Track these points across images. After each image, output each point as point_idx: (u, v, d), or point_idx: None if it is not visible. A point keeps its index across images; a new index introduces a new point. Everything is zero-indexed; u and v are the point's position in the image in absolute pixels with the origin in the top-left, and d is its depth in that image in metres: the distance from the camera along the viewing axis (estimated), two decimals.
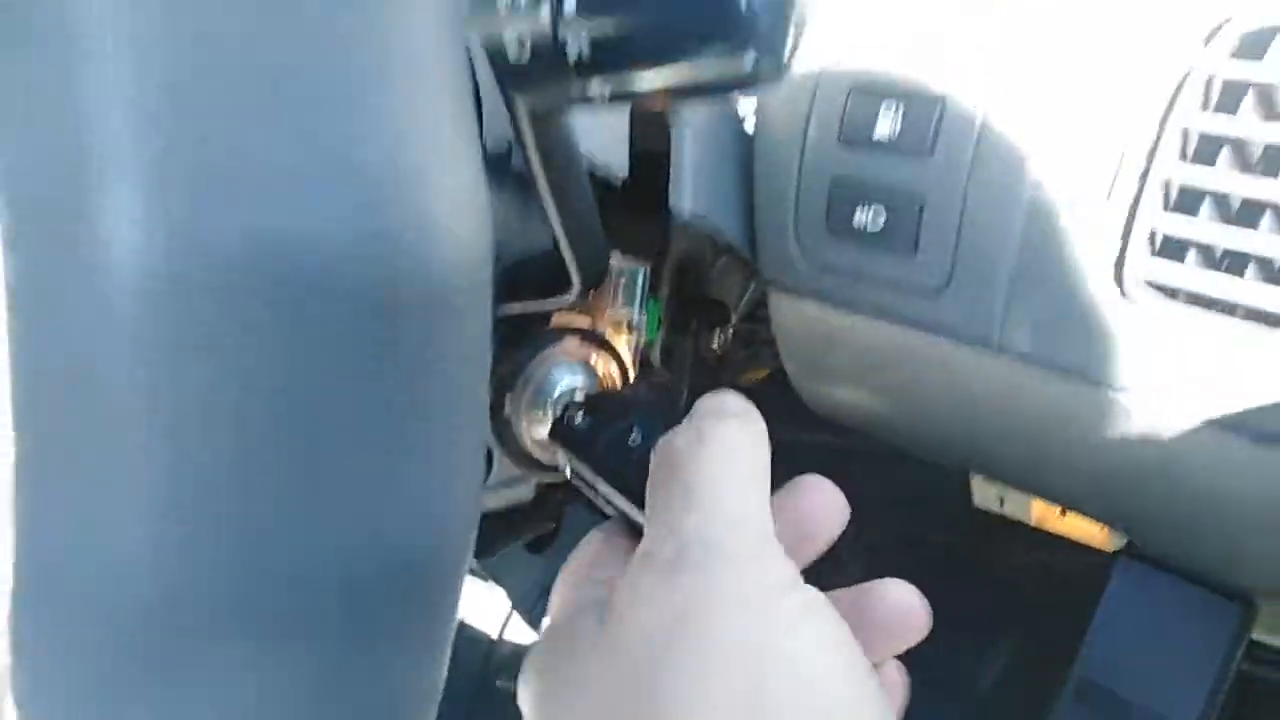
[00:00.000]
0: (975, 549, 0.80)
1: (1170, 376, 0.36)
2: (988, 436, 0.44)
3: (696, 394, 0.66)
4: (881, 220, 0.40)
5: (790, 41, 0.21)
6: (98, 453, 0.14)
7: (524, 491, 0.46)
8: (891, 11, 0.40)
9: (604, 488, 0.34)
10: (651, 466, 0.28)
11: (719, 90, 0.22)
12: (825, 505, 0.30)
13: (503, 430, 0.41)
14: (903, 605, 0.27)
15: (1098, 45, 0.36)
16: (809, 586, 0.25)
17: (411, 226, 0.14)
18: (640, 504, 0.31)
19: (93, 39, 0.12)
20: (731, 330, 0.61)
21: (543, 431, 0.41)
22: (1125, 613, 0.46)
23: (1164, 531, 0.43)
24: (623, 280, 0.44)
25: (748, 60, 0.21)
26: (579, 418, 0.38)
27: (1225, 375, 0.35)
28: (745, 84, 0.22)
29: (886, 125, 0.39)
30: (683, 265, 0.56)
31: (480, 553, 0.50)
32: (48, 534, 0.14)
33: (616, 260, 0.44)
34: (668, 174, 0.42)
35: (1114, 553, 0.52)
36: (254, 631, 0.14)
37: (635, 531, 0.31)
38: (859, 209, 0.41)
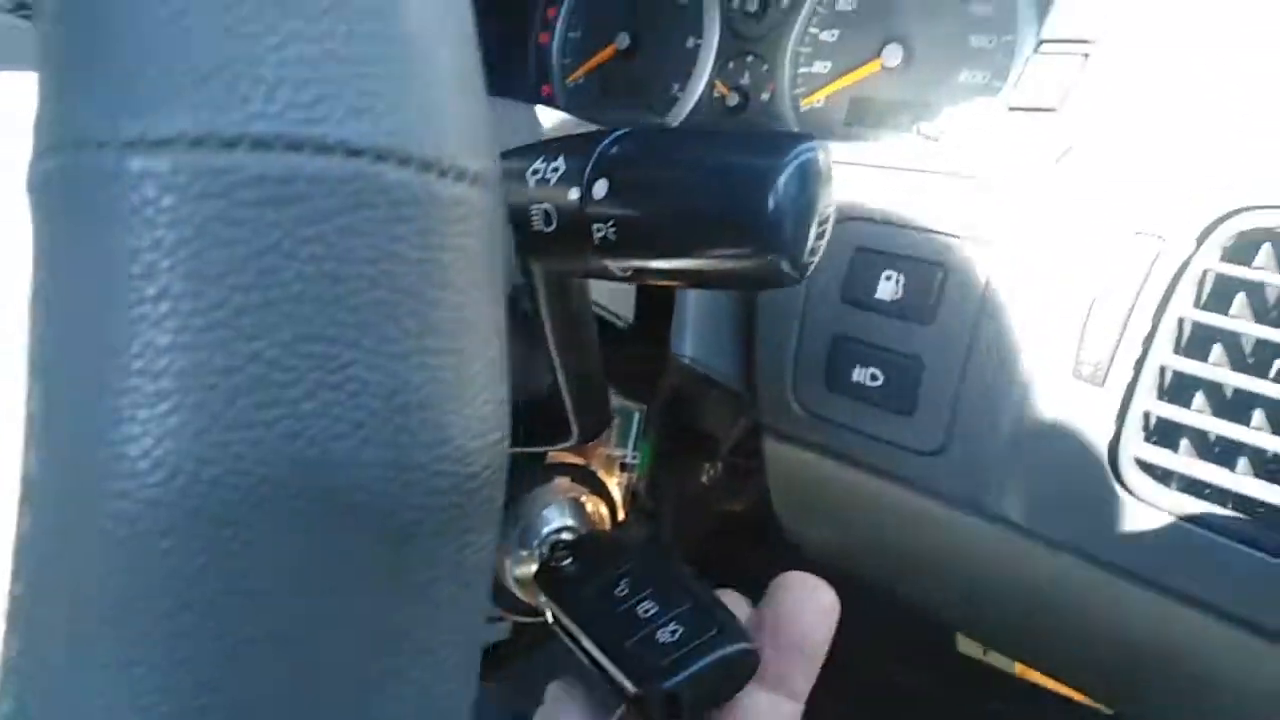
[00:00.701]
0: (957, 696, 0.79)
1: (1164, 560, 0.36)
2: (975, 601, 0.44)
3: (683, 524, 0.65)
4: (880, 380, 0.41)
5: (811, 244, 0.22)
6: (90, 653, 0.14)
7: (499, 631, 0.45)
8: (898, 178, 0.42)
9: (585, 641, 0.33)
10: None
11: (739, 285, 0.23)
12: (808, 605, 0.29)
13: None
14: None
15: (1099, 228, 0.37)
16: None
17: (433, 455, 0.14)
18: (618, 660, 0.30)
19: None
20: (720, 464, 0.60)
21: (526, 571, 0.40)
22: None
23: (1155, 713, 0.43)
24: (618, 421, 0.44)
25: (770, 262, 0.21)
26: (566, 562, 0.37)
27: (1218, 562, 0.35)
28: (766, 284, 0.22)
29: (889, 288, 0.40)
30: (674, 399, 0.56)
31: None
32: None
33: (614, 400, 0.44)
34: (667, 319, 0.43)
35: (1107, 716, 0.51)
36: None
37: (606, 682, 0.30)
38: (858, 367, 0.41)
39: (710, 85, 0.62)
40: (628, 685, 0.29)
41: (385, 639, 0.14)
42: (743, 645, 0.30)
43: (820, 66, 0.57)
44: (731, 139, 0.23)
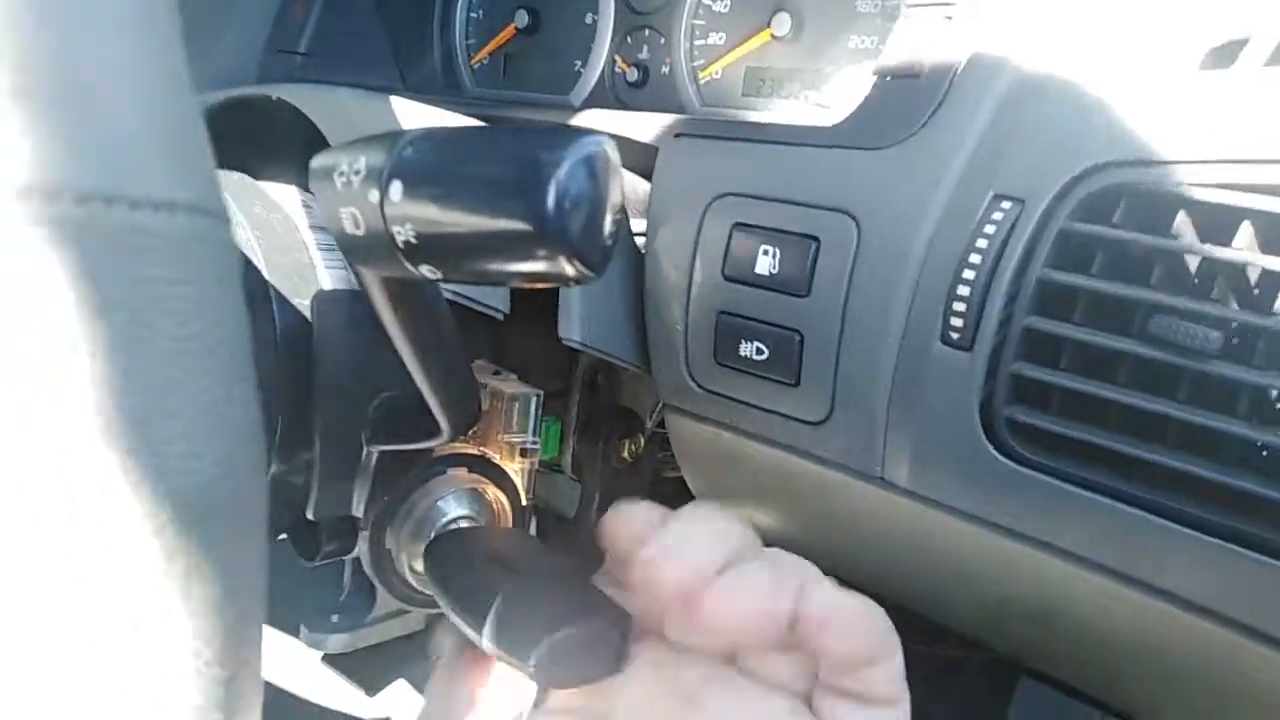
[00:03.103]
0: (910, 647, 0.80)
1: (1038, 518, 0.36)
2: (876, 565, 0.45)
3: (612, 497, 0.66)
4: (766, 354, 0.41)
5: (607, 237, 0.22)
6: None
7: (413, 621, 0.45)
8: (772, 152, 0.42)
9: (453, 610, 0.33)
10: None
11: (542, 282, 0.23)
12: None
13: (383, 563, 0.40)
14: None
15: (961, 191, 0.37)
16: None
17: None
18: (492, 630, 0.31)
19: None
20: (643, 437, 0.61)
21: (422, 564, 0.40)
22: None
23: (1056, 663, 0.44)
24: (516, 406, 0.44)
25: (563, 263, 0.21)
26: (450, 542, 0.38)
27: (1091, 518, 0.35)
28: (564, 282, 0.22)
29: (766, 263, 0.40)
30: (591, 378, 0.56)
31: (378, 682, 0.49)
32: None
33: (510, 386, 0.44)
34: (555, 303, 0.43)
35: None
36: None
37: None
38: (743, 342, 0.41)
39: (610, 61, 0.61)
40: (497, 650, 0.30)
41: None
42: (609, 617, 0.30)
43: (715, 38, 0.57)
44: (521, 136, 0.23)
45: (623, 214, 0.22)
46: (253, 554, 0.17)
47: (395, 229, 0.23)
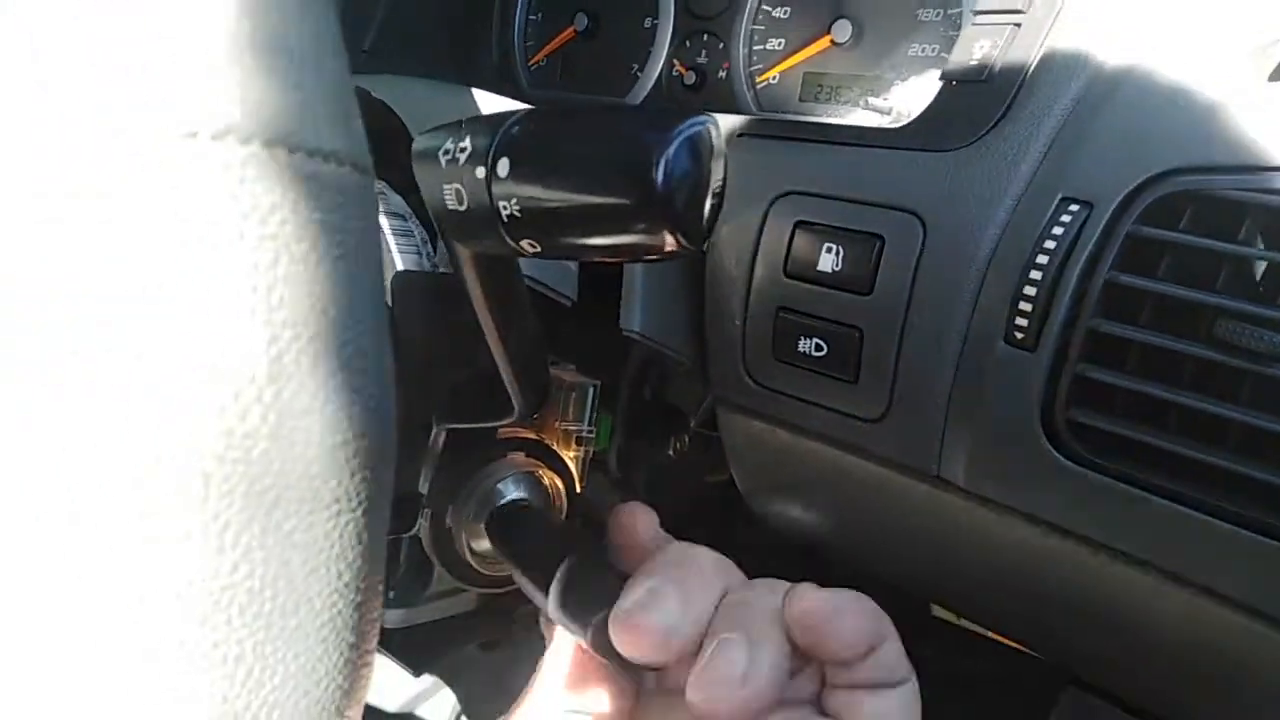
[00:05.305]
0: (934, 657, 0.80)
1: (1098, 520, 0.37)
2: (928, 564, 0.45)
3: (656, 495, 0.66)
4: (825, 350, 0.42)
5: (708, 215, 0.23)
6: None
7: (465, 602, 0.46)
8: (838, 153, 0.42)
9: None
10: None
11: (644, 258, 0.24)
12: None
13: (443, 541, 0.41)
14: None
15: (1028, 194, 0.38)
16: None
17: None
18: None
19: None
20: (688, 437, 0.61)
21: (483, 544, 0.41)
22: None
23: (1104, 668, 0.44)
24: (574, 395, 0.45)
25: (665, 236, 0.22)
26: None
27: (1152, 521, 0.35)
28: (667, 256, 0.23)
29: (829, 261, 0.41)
30: (641, 374, 0.57)
31: (425, 661, 0.50)
32: None
33: (569, 375, 0.45)
34: (618, 295, 0.43)
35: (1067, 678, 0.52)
36: None
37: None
38: (802, 338, 0.42)
39: (669, 64, 0.62)
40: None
41: None
42: None
43: (774, 43, 0.57)
44: (626, 116, 0.23)
45: (722, 192, 0.23)
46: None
47: (501, 204, 0.24)
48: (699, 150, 0.22)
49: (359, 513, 0.15)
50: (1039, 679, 0.62)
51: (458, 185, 0.25)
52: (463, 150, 0.24)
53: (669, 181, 0.21)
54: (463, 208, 0.25)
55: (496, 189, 0.24)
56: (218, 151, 0.13)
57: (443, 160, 0.25)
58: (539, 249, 0.25)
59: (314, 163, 0.15)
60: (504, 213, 0.24)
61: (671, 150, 0.21)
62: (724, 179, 0.23)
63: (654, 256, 0.23)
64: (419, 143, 0.26)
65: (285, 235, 0.14)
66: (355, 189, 0.15)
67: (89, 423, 0.13)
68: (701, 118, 0.22)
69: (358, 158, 0.16)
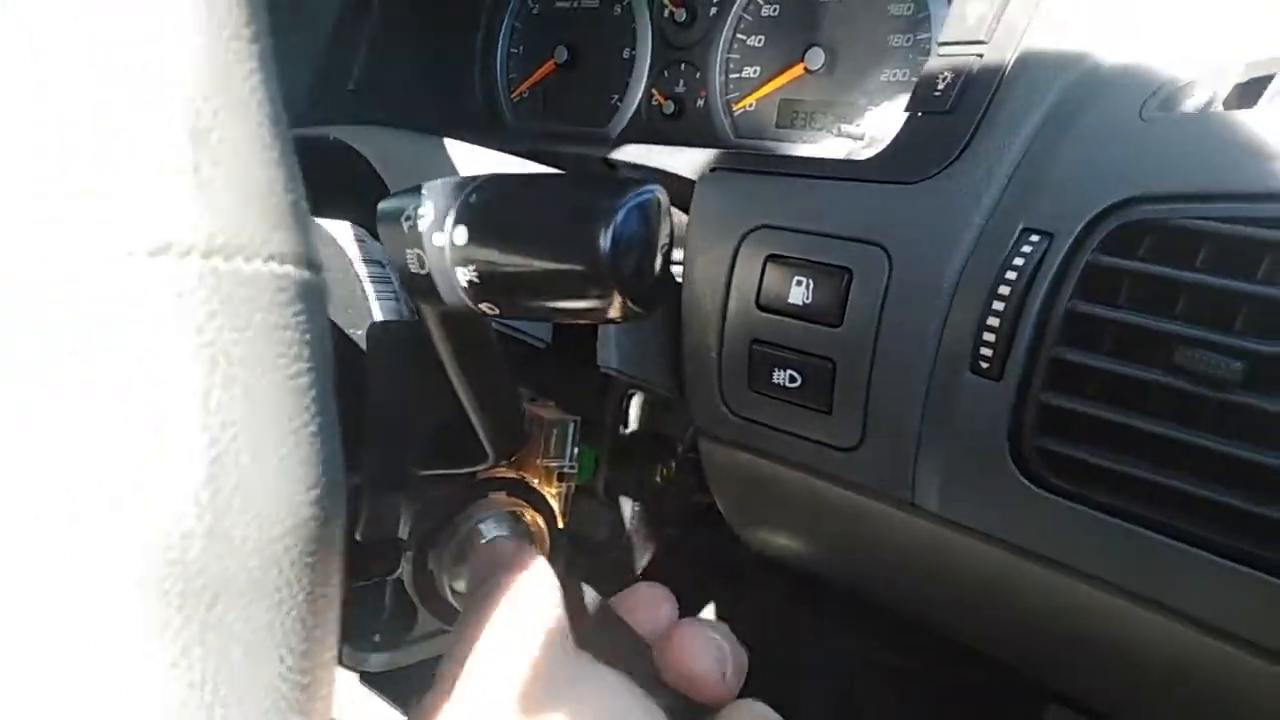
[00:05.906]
0: (925, 668, 0.80)
1: (1067, 544, 0.37)
2: (907, 587, 0.46)
3: (644, 521, 0.66)
4: (799, 381, 0.42)
5: (654, 280, 0.24)
6: None
7: (450, 643, 0.46)
8: (806, 186, 0.43)
9: None
10: None
11: (598, 321, 0.24)
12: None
13: (425, 584, 0.41)
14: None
15: (991, 224, 0.38)
16: None
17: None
18: None
19: None
20: (675, 464, 0.62)
21: (464, 584, 0.42)
22: None
23: (1080, 685, 0.44)
24: (555, 432, 0.45)
25: (615, 301, 0.23)
26: None
27: (1119, 544, 0.36)
28: (618, 319, 0.24)
29: (800, 293, 0.42)
30: (623, 406, 0.58)
31: (408, 706, 0.50)
32: None
33: (549, 412, 0.45)
34: (594, 333, 0.44)
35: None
36: None
37: None
38: (777, 370, 0.43)
39: (648, 94, 0.63)
40: None
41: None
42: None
43: (750, 71, 0.58)
44: (579, 185, 0.24)
45: (669, 253, 0.24)
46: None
47: (459, 269, 0.25)
48: (648, 217, 0.23)
49: (301, 599, 0.16)
50: (1029, 690, 0.62)
51: (418, 250, 0.26)
52: (422, 217, 0.25)
53: (616, 249, 0.22)
54: (424, 271, 0.26)
55: (453, 255, 0.25)
56: (154, 269, 0.14)
57: (404, 225, 0.26)
58: (498, 312, 0.25)
59: (253, 265, 0.15)
60: (462, 279, 0.25)
61: (619, 218, 0.22)
62: (670, 239, 0.24)
63: (609, 319, 0.24)
64: (383, 206, 0.27)
65: (223, 341, 0.15)
66: (297, 286, 0.16)
67: (28, 537, 0.14)
68: (650, 186, 0.23)
69: (299, 255, 0.16)
